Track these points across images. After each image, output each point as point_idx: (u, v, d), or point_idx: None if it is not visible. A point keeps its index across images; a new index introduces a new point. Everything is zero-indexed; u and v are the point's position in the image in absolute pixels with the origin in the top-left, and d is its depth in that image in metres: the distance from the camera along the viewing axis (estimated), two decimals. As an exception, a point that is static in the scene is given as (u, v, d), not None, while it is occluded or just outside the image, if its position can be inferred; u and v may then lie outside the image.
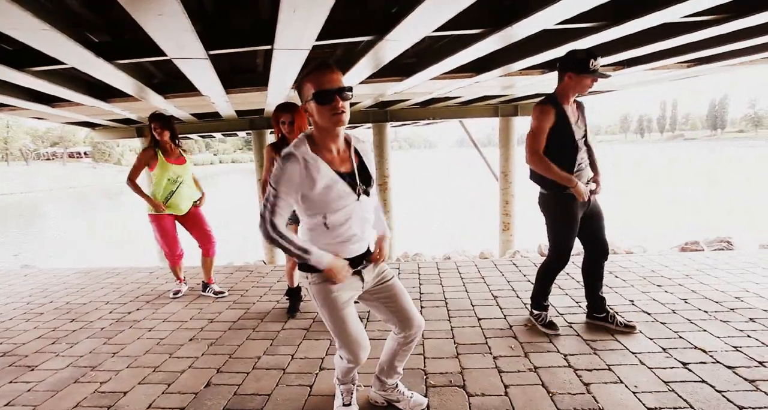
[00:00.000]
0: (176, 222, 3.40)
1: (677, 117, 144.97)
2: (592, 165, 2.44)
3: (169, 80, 5.23)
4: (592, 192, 2.40)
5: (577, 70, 2.23)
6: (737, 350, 2.21)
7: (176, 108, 6.42)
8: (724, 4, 2.96)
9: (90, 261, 11.12)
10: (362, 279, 1.58)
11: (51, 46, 2.94)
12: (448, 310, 2.92)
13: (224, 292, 3.50)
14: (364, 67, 4.13)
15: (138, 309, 3.25)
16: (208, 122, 8.86)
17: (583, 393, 1.89)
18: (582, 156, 2.35)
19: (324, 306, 1.52)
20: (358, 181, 1.47)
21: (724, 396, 1.83)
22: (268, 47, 3.36)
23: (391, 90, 6.00)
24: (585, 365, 2.13)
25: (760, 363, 2.07)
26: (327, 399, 1.92)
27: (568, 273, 3.53)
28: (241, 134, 12.52)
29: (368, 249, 1.58)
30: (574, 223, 2.40)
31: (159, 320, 3.02)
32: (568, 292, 3.14)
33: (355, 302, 1.62)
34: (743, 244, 6.34)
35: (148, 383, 2.17)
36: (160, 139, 3.25)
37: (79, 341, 2.73)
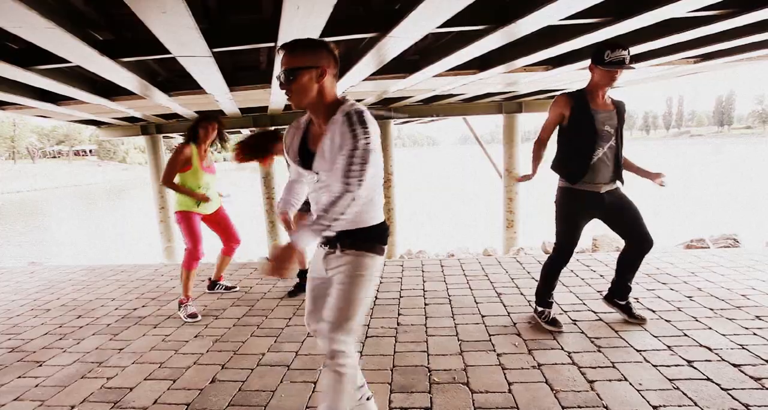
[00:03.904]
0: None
1: (683, 113, 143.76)
2: (631, 167, 2.44)
3: (174, 78, 5.25)
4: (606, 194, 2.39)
5: (595, 61, 2.24)
6: (743, 348, 2.19)
7: (180, 106, 6.44)
8: (731, -1, 2.93)
9: (93, 260, 11.19)
10: (324, 258, 1.49)
11: (56, 45, 2.96)
12: (451, 307, 2.92)
13: (235, 286, 3.55)
14: (367, 64, 4.13)
15: (143, 306, 3.27)
16: (212, 120, 8.88)
17: (587, 391, 1.89)
18: (603, 153, 2.31)
19: None
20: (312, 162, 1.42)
21: (729, 394, 1.82)
22: (272, 44, 3.36)
23: (394, 87, 5.99)
24: (589, 362, 2.13)
25: (766, 361, 2.06)
26: (331, 396, 1.93)
27: (572, 271, 3.52)
28: (245, 132, 12.53)
29: (336, 235, 1.39)
30: (571, 220, 2.41)
31: (164, 316, 3.04)
32: (572, 290, 3.13)
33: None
34: (749, 241, 6.29)
35: (154, 379, 2.19)
36: (204, 139, 3.02)
37: (86, 337, 2.75)
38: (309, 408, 1.87)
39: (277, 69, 4.05)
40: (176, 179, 2.99)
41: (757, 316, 2.55)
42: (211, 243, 3.34)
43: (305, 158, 1.46)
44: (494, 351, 2.30)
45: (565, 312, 2.75)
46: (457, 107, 9.46)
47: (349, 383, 1.40)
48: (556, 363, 2.13)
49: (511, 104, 9.42)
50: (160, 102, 5.73)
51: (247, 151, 2.99)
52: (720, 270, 3.42)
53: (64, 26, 2.56)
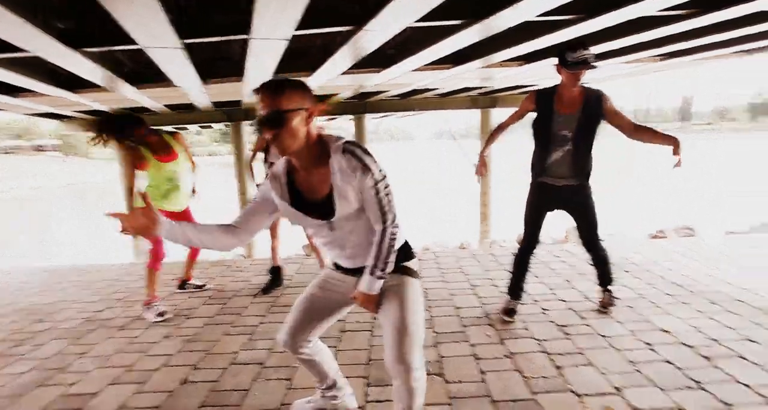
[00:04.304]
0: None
1: (650, 109, 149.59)
2: (657, 136, 2.29)
3: (142, 70, 5.04)
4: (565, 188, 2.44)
5: (559, 62, 2.29)
6: (698, 330, 2.32)
7: (149, 99, 6.21)
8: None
9: (60, 261, 10.70)
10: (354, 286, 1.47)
11: (13, 33, 2.79)
12: (426, 300, 2.95)
13: (206, 284, 3.47)
14: (344, 57, 4.08)
15: (108, 308, 3.15)
16: (183, 114, 8.61)
17: (556, 377, 1.96)
18: (560, 156, 2.37)
19: None
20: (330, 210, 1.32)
21: (684, 373, 1.93)
22: (245, 37, 3.27)
23: (370, 81, 5.96)
24: (558, 349, 2.20)
25: (715, 340, 2.20)
26: (307, 392, 1.91)
27: (543, 262, 3.62)
28: (218, 126, 12.24)
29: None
30: (531, 210, 2.51)
31: (131, 318, 2.94)
32: (543, 280, 3.22)
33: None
34: (707, 231, 6.64)
35: (120, 383, 2.12)
36: (143, 137, 2.83)
37: (45, 342, 2.63)
38: (284, 405, 1.86)
39: (253, 62, 3.95)
40: (144, 178, 2.89)
41: (711, 301, 2.70)
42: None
43: (314, 211, 1.35)
44: (468, 342, 2.34)
45: (536, 301, 2.83)
46: (433, 102, 9.51)
47: (422, 392, 1.43)
48: (527, 352, 2.20)
49: (486, 99, 9.55)
50: (127, 95, 5.50)
51: (99, 128, 2.76)
52: (679, 258, 3.59)
53: (20, 13, 2.41)
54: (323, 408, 1.74)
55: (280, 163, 1.39)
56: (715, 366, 1.98)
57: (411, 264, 1.47)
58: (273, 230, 3.31)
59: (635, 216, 12.49)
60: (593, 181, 2.48)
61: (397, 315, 1.37)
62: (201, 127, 12.16)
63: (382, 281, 1.38)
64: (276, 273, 3.37)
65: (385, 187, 1.31)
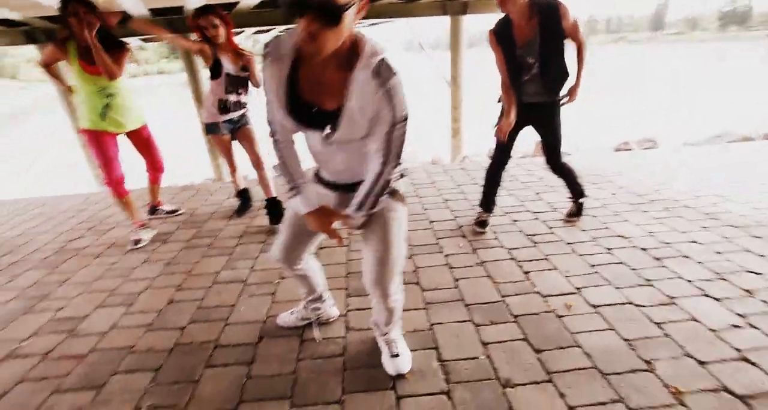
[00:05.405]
0: (118, 140, 2.78)
1: (622, 17, 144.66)
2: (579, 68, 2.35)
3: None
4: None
5: None
6: (651, 235, 2.53)
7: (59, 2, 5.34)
8: None
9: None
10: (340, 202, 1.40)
11: None
12: (402, 217, 3.03)
13: (179, 209, 3.41)
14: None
15: (80, 237, 3.07)
16: (119, 25, 7.54)
17: (523, 281, 2.13)
18: (528, 77, 2.36)
19: None
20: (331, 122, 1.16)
21: (636, 273, 2.14)
22: None
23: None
24: (526, 257, 2.37)
25: (667, 244, 2.41)
26: (291, 305, 2.02)
27: (513, 176, 3.72)
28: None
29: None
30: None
31: (105, 245, 2.90)
32: (512, 192, 3.34)
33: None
34: (667, 142, 6.93)
35: (107, 306, 2.15)
36: (80, 31, 2.37)
37: (21, 273, 2.58)
38: (270, 317, 1.96)
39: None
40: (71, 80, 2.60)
41: (666, 208, 2.91)
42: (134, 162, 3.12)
43: (311, 119, 1.18)
44: (442, 253, 2.48)
45: (507, 213, 2.97)
46: (398, 8, 8.73)
47: (400, 309, 1.53)
48: (497, 260, 2.35)
49: (455, 4, 8.84)
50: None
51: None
52: (640, 168, 3.77)
53: None
54: (307, 318, 1.85)
55: (285, 43, 1.11)
56: (663, 265, 2.20)
57: (399, 185, 1.36)
58: (228, 156, 3.05)
59: (603, 130, 12.77)
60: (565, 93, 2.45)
61: (379, 247, 1.34)
62: (143, 40, 10.82)
63: (364, 217, 1.31)
64: (243, 195, 3.31)
65: (402, 132, 1.15)
